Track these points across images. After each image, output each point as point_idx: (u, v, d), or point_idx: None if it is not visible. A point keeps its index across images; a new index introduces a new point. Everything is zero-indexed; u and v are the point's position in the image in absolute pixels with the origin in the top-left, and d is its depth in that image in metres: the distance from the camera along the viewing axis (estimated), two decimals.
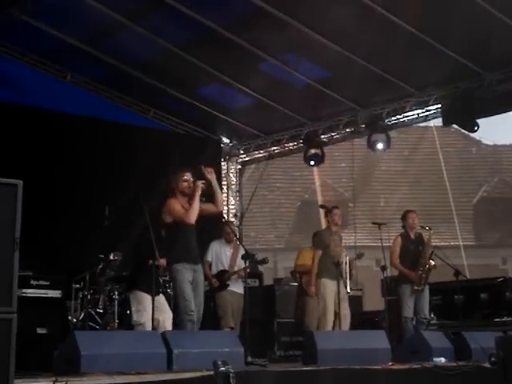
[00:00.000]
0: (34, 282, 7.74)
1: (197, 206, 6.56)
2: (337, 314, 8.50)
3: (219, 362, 4.58)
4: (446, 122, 10.97)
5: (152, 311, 6.68)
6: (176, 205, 6.62)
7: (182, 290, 6.48)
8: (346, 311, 8.54)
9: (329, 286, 8.58)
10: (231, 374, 4.52)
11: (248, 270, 7.72)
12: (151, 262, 6.83)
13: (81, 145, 10.38)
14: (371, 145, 11.22)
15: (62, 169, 10.17)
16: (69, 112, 10.60)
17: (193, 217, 6.55)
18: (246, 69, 10.61)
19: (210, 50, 10.17)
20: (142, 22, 9.73)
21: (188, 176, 6.72)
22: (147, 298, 7.14)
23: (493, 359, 5.45)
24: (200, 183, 6.60)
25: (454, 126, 11.95)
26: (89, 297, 8.32)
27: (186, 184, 6.68)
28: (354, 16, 9.00)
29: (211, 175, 6.77)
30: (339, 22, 9.21)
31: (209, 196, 6.80)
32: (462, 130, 15.20)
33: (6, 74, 10.21)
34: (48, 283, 7.86)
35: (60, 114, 10.51)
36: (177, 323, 6.70)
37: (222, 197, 6.92)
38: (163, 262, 7.07)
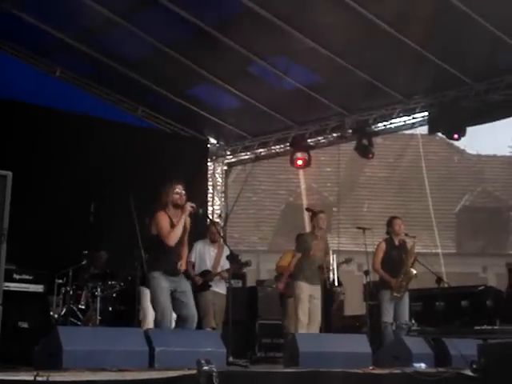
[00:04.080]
0: (16, 276, 7.70)
1: (179, 229, 6.61)
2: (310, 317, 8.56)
3: (202, 361, 4.59)
4: (432, 130, 11.06)
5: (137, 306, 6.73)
6: (163, 220, 6.63)
7: (156, 297, 6.55)
8: (318, 316, 8.58)
9: (305, 289, 8.60)
10: (214, 374, 4.53)
11: (233, 271, 7.75)
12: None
13: (68, 140, 10.35)
14: (360, 150, 11.31)
15: (49, 163, 10.14)
16: (57, 107, 10.57)
17: (173, 240, 6.59)
18: (235, 70, 10.64)
19: (200, 50, 10.18)
20: (133, 20, 9.73)
21: (180, 189, 6.76)
22: (146, 294, 7.23)
23: (474, 366, 5.49)
24: (189, 205, 6.65)
25: (439, 134, 12.02)
26: (71, 292, 8.32)
27: (177, 196, 6.72)
28: (345, 22, 9.06)
29: None
30: (329, 28, 9.25)
31: (196, 219, 6.85)
32: (447, 139, 15.30)
33: None
34: (31, 277, 7.83)
35: (48, 109, 10.48)
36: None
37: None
38: None
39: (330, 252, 9.24)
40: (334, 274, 8.65)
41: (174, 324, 6.85)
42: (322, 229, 8.86)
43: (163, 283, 6.55)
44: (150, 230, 6.73)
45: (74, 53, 10.43)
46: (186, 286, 6.75)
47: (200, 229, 9.20)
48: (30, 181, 9.38)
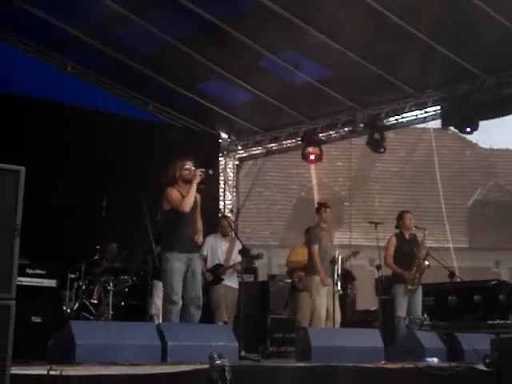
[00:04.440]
0: (29, 271, 7.73)
1: (192, 194, 6.65)
2: (328, 311, 8.55)
3: (215, 355, 4.60)
4: (445, 124, 11.02)
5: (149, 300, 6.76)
6: (174, 192, 6.70)
7: (168, 280, 6.60)
8: (336, 309, 8.57)
9: (320, 282, 8.61)
10: (226, 368, 4.53)
11: (245, 264, 7.78)
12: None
13: (80, 135, 10.38)
14: (372, 144, 11.27)
15: (61, 158, 10.18)
16: (68, 102, 10.60)
17: (187, 205, 6.63)
18: (246, 65, 10.62)
19: (212, 45, 10.18)
20: (145, 15, 9.74)
21: (189, 165, 6.78)
22: (159, 288, 7.26)
23: (487, 360, 5.47)
24: (199, 171, 6.67)
25: (452, 128, 11.97)
26: (84, 287, 8.36)
27: (187, 172, 6.75)
28: (356, 16, 9.02)
29: None
30: (341, 22, 9.22)
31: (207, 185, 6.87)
32: (459, 133, 15.23)
33: (7, 63, 10.19)
34: (44, 272, 7.85)
35: (59, 104, 10.51)
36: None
37: None
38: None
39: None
40: (337, 274, 8.57)
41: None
42: (325, 222, 8.87)
43: (177, 265, 6.58)
44: (163, 207, 6.73)
45: (85, 48, 10.46)
46: (197, 267, 6.79)
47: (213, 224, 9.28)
48: (43, 176, 9.40)
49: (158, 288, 7.64)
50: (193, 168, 6.75)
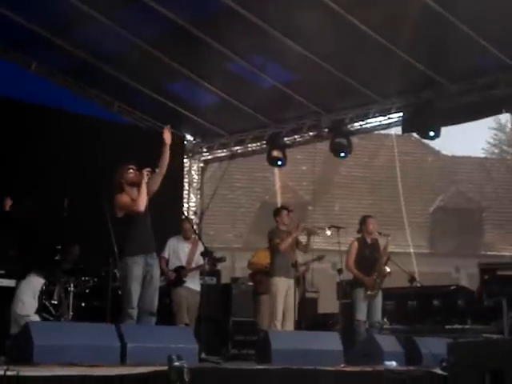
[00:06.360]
0: None
1: (144, 193, 6.66)
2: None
3: (174, 357, 4.60)
4: (405, 130, 11.18)
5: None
6: (124, 198, 6.72)
7: (127, 286, 6.61)
8: (292, 313, 8.59)
9: (280, 285, 8.62)
10: (185, 370, 4.53)
11: (207, 267, 7.77)
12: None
13: (42, 135, 10.26)
14: (334, 149, 11.35)
15: (22, 158, 10.05)
16: (32, 101, 10.47)
17: (141, 204, 6.64)
18: (213, 67, 10.61)
19: (178, 47, 10.17)
20: (112, 15, 9.68)
21: (133, 168, 6.83)
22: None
23: (444, 364, 5.55)
24: (145, 171, 6.70)
25: (414, 135, 12.11)
26: (44, 287, 8.26)
27: (132, 175, 6.79)
28: (323, 22, 9.08)
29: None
30: (308, 27, 9.27)
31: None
32: (422, 140, 15.42)
33: None
34: (3, 272, 7.77)
35: (22, 102, 10.38)
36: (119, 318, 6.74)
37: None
38: None
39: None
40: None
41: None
42: (285, 224, 8.85)
43: (136, 271, 6.57)
44: (116, 215, 6.73)
45: (50, 47, 10.34)
46: (156, 273, 6.78)
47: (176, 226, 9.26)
48: (3, 176, 9.31)
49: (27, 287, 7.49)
50: (137, 172, 6.79)
